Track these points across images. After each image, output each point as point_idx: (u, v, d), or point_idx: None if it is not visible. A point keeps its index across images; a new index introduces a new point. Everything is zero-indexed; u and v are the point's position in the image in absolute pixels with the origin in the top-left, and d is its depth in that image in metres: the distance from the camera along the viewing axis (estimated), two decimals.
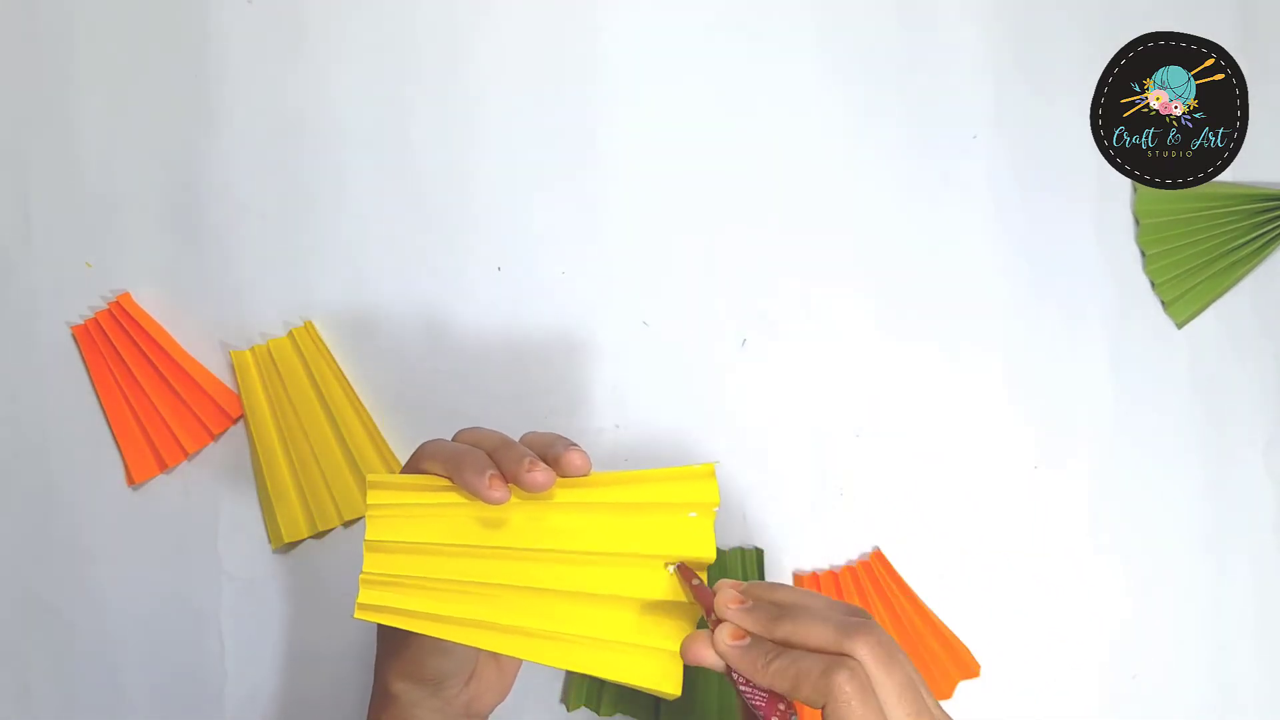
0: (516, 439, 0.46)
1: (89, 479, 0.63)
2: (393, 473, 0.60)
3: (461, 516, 0.44)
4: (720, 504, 0.45)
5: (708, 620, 0.42)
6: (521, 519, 0.44)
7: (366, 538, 0.44)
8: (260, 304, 0.62)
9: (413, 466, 0.46)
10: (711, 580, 0.44)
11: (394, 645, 0.48)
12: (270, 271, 0.62)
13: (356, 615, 0.43)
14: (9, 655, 0.63)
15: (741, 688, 0.40)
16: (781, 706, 0.40)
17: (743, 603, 0.42)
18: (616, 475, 0.45)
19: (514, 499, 0.43)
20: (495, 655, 0.50)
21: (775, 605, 0.42)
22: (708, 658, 0.41)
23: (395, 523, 0.44)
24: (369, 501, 0.44)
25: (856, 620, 0.40)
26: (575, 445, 0.44)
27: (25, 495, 0.63)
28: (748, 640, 0.41)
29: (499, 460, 0.43)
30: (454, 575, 0.44)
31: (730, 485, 0.62)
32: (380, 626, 0.49)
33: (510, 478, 0.43)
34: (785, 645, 0.40)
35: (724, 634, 0.41)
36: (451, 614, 0.43)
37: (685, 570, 0.44)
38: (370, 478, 0.45)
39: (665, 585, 0.45)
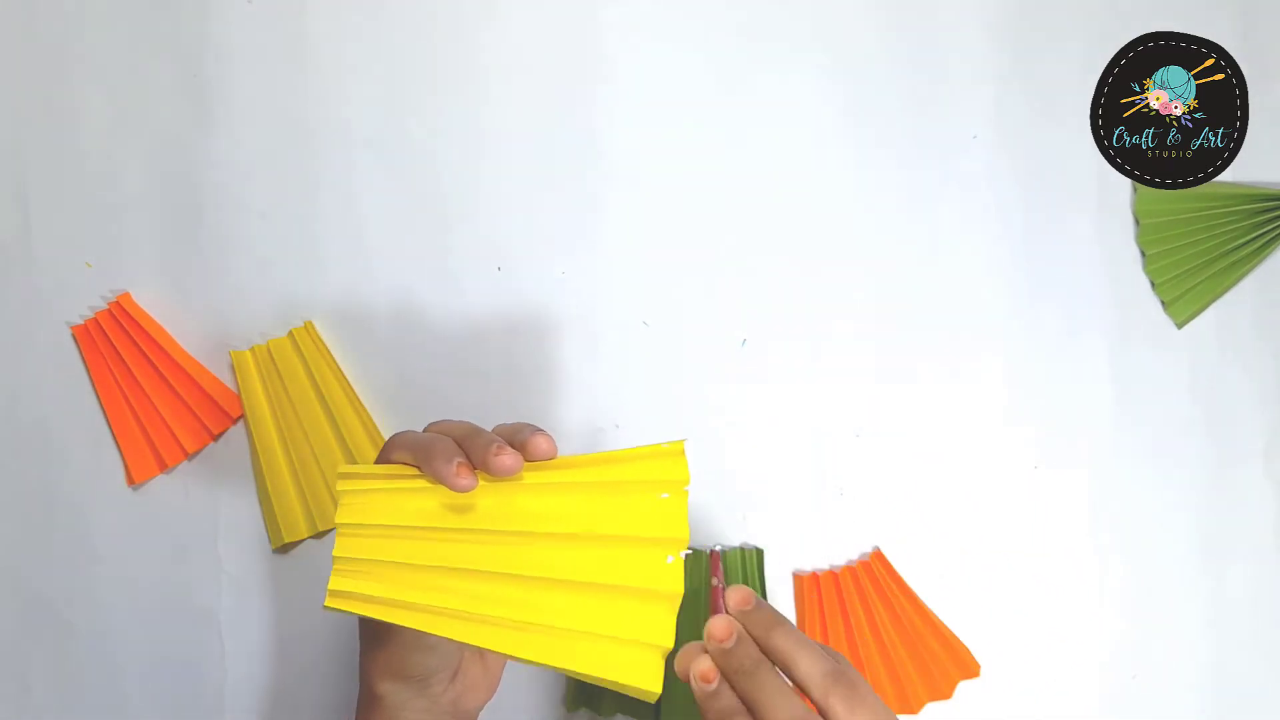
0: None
1: (89, 479, 0.63)
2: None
3: (431, 502, 0.44)
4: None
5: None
6: (491, 503, 0.44)
7: (337, 521, 0.44)
8: (260, 304, 0.62)
9: (384, 457, 0.46)
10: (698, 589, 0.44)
11: (376, 644, 0.48)
12: (270, 271, 0.62)
13: (327, 603, 0.43)
14: (9, 655, 0.63)
15: None
16: None
17: (728, 637, 0.43)
18: (586, 456, 0.45)
19: (484, 484, 0.43)
20: (480, 652, 0.50)
21: (758, 652, 0.43)
22: (690, 679, 0.43)
23: (365, 507, 0.44)
24: (339, 488, 0.44)
25: (824, 699, 0.41)
26: (541, 430, 0.44)
27: (25, 495, 0.63)
28: (714, 685, 0.42)
29: (466, 448, 0.44)
30: (425, 559, 0.43)
31: (730, 485, 0.62)
32: (361, 627, 0.49)
33: (478, 464, 0.43)
34: (746, 702, 0.41)
35: (697, 669, 0.42)
36: (423, 602, 0.43)
37: (715, 561, 0.45)
38: (341, 468, 0.45)
39: (642, 571, 0.44)
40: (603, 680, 0.43)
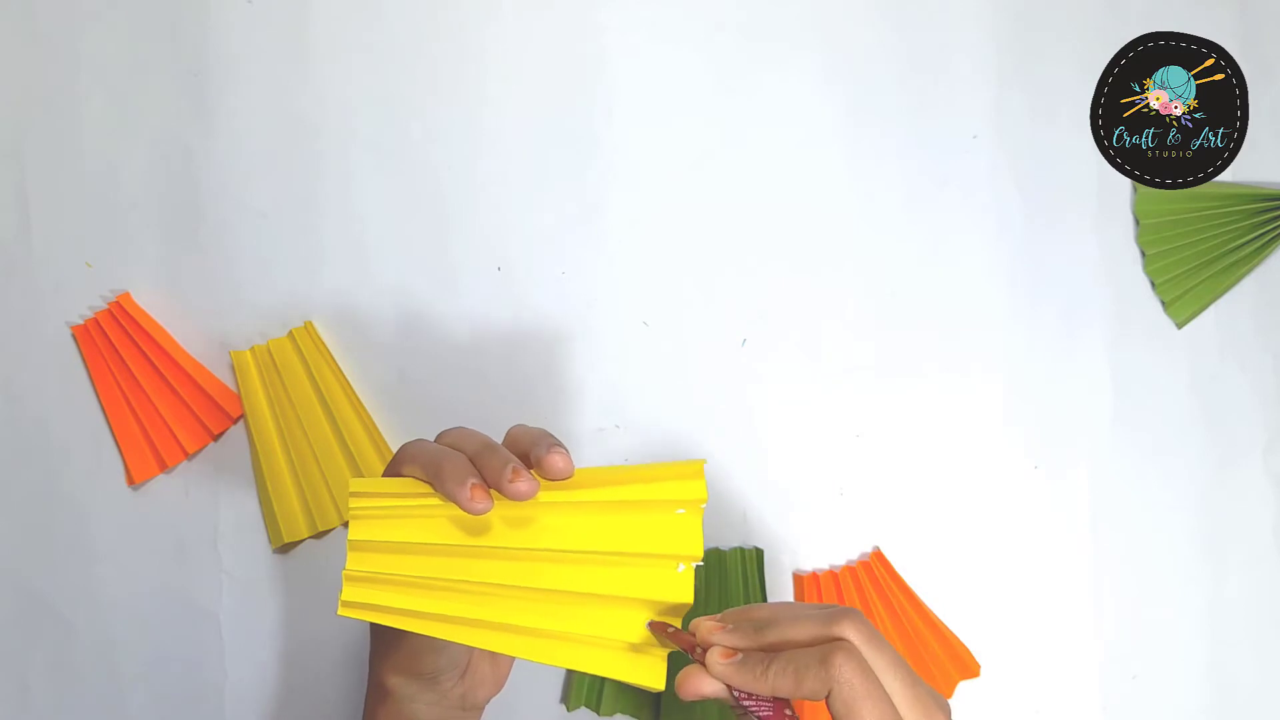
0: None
1: (89, 479, 0.63)
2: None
3: (444, 519, 0.43)
4: (708, 501, 0.44)
5: (694, 657, 0.42)
6: (506, 520, 0.44)
7: (350, 538, 0.43)
8: (260, 304, 0.62)
9: (393, 470, 0.45)
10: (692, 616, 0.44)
11: (387, 641, 0.48)
12: (270, 271, 0.62)
13: (340, 612, 0.43)
14: (9, 655, 0.63)
15: (745, 703, 0.40)
16: (788, 712, 0.40)
17: (724, 626, 0.42)
18: (603, 474, 0.44)
19: (498, 502, 0.43)
20: (463, 666, 0.50)
21: (754, 620, 0.42)
22: (706, 686, 0.41)
23: (378, 524, 0.43)
24: (351, 506, 0.43)
25: (836, 608, 0.41)
26: (558, 446, 0.43)
27: (25, 495, 0.63)
28: (740, 656, 0.41)
29: (481, 466, 0.43)
30: (438, 574, 0.43)
31: (730, 485, 0.62)
32: (373, 625, 0.49)
33: (492, 484, 0.42)
34: (775, 650, 0.40)
35: (715, 655, 0.41)
36: (435, 611, 0.43)
37: (658, 625, 0.44)
38: (352, 484, 0.44)
39: (652, 583, 0.44)
40: (611, 679, 0.44)
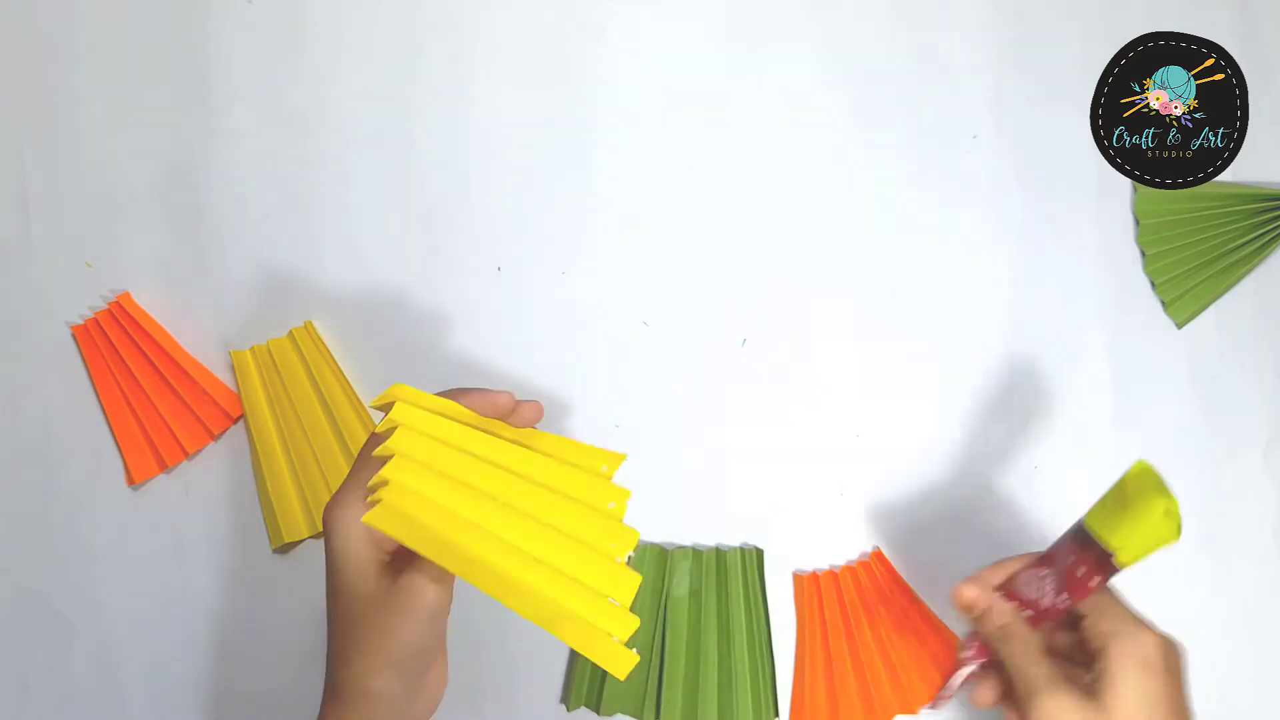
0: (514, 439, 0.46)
1: (89, 479, 0.63)
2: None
3: (468, 454, 0.45)
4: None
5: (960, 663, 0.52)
6: (497, 466, 0.45)
7: (394, 449, 0.43)
8: (260, 304, 0.62)
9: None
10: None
11: (380, 634, 0.45)
12: (270, 271, 0.62)
13: (365, 519, 0.42)
14: (9, 655, 0.63)
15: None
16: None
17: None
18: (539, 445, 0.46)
19: (503, 441, 0.45)
20: (436, 660, 0.48)
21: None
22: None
23: (417, 443, 0.44)
24: (395, 410, 0.44)
25: None
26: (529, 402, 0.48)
27: (25, 495, 0.63)
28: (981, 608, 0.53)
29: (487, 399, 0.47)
30: (458, 507, 0.44)
31: (731, 485, 0.62)
32: (341, 632, 0.46)
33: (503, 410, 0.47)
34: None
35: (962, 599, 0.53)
36: (458, 540, 0.43)
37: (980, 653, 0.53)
38: (395, 388, 0.45)
39: (596, 575, 0.44)
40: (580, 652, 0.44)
